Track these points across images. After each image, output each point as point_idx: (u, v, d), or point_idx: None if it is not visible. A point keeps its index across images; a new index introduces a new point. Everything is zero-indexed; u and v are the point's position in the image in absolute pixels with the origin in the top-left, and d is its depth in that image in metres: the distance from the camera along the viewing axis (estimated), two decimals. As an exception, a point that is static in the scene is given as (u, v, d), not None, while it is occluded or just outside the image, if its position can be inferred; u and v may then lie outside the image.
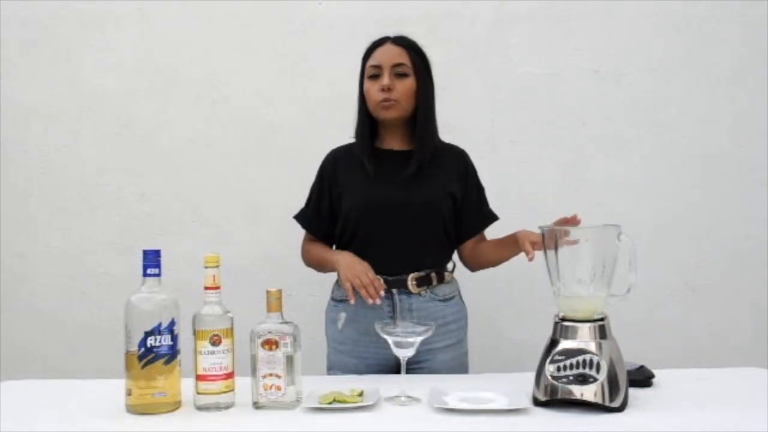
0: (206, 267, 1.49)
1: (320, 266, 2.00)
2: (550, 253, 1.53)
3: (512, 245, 1.84)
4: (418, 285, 1.88)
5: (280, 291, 1.51)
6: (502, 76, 2.64)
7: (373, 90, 1.87)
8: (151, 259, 1.47)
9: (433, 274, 1.90)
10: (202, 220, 2.64)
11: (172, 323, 1.47)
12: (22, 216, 2.64)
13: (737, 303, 2.67)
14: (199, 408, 1.48)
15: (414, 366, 1.86)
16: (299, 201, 2.62)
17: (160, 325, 1.45)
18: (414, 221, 1.88)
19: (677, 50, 2.65)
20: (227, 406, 1.48)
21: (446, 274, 1.95)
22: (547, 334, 1.52)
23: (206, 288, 1.49)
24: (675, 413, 1.43)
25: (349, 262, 1.82)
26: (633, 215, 2.59)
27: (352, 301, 1.77)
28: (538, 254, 1.63)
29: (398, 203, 1.87)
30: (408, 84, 1.87)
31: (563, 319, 1.51)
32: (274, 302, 1.50)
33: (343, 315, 1.91)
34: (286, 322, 1.49)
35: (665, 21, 2.64)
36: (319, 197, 1.99)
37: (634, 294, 1.52)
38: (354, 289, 1.76)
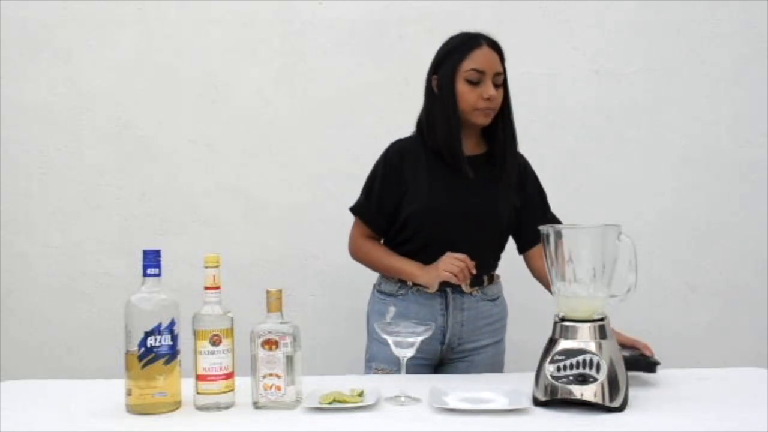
0: (206, 267, 1.49)
1: (384, 271, 1.95)
2: (551, 253, 1.53)
3: None
4: (471, 285, 1.88)
5: (280, 291, 1.51)
6: (502, 76, 2.63)
7: (473, 95, 1.81)
8: (151, 259, 1.47)
9: (485, 276, 1.91)
10: (202, 220, 2.64)
11: (172, 323, 1.47)
12: (22, 216, 2.64)
13: (737, 303, 2.67)
14: (199, 408, 1.48)
15: (457, 361, 1.92)
16: (299, 201, 2.63)
17: (160, 325, 1.45)
18: (477, 230, 1.87)
19: (677, 50, 2.65)
20: (227, 406, 1.48)
21: (495, 274, 1.96)
22: (547, 334, 1.52)
23: (206, 288, 1.49)
24: (675, 413, 1.43)
25: (426, 272, 1.80)
26: (633, 215, 2.59)
27: (464, 287, 1.80)
28: (538, 254, 1.62)
29: (465, 213, 1.85)
30: (501, 93, 1.86)
31: (563, 319, 1.50)
32: (274, 302, 1.50)
33: (392, 309, 1.86)
34: (286, 322, 1.49)
35: (665, 21, 2.64)
36: (383, 191, 1.91)
37: (634, 294, 1.52)
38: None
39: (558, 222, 1.97)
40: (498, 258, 1.98)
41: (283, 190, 2.65)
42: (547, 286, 1.86)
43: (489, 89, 1.81)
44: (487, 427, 1.37)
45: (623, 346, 1.60)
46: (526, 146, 2.62)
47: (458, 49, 1.84)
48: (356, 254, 1.99)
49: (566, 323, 1.49)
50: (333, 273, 2.62)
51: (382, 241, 1.99)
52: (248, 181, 2.64)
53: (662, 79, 2.65)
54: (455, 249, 1.81)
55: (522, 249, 2.00)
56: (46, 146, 2.64)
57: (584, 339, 1.46)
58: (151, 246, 1.49)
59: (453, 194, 1.85)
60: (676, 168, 2.66)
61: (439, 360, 1.92)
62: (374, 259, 1.94)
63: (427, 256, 1.83)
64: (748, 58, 2.65)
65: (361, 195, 1.97)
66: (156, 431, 1.39)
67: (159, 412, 1.45)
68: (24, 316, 2.65)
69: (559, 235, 1.52)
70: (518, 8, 2.63)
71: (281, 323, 1.49)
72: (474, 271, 1.76)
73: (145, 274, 1.47)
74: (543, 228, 1.56)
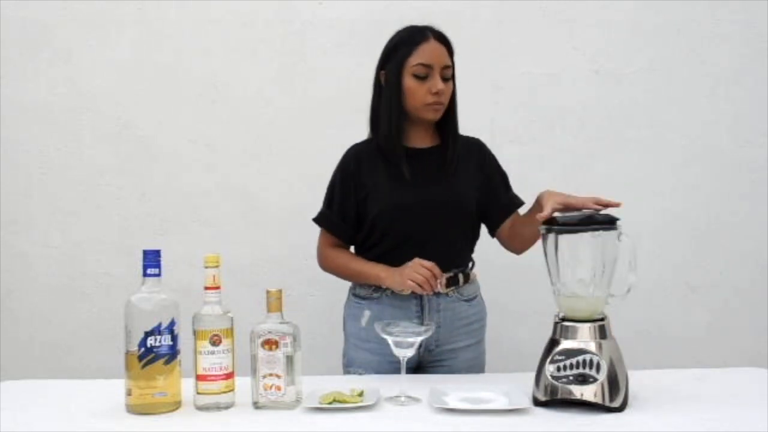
0: (206, 267, 1.49)
1: (353, 278, 1.92)
2: (550, 253, 1.53)
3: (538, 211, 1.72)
4: (447, 285, 1.85)
5: (280, 291, 1.51)
6: (502, 76, 2.64)
7: (421, 91, 1.80)
8: (151, 259, 1.47)
9: (461, 275, 1.89)
10: (202, 220, 2.64)
11: (172, 323, 1.47)
12: (22, 216, 2.64)
13: (737, 303, 2.67)
14: (199, 408, 1.48)
15: (435, 365, 1.89)
16: (299, 201, 2.63)
17: (160, 325, 1.45)
18: (445, 221, 1.85)
19: (677, 50, 2.65)
20: (227, 406, 1.48)
21: (470, 273, 1.94)
22: (547, 334, 1.52)
23: (206, 288, 1.49)
24: (675, 413, 1.43)
25: (392, 275, 1.77)
26: (633, 215, 2.58)
27: (425, 292, 1.73)
28: (539, 255, 1.62)
29: (430, 204, 1.83)
30: (450, 86, 1.85)
31: (563, 319, 1.51)
32: (274, 302, 1.50)
33: (367, 313, 1.86)
34: (286, 322, 1.49)
35: (665, 21, 2.64)
36: (344, 198, 1.90)
37: (634, 294, 1.52)
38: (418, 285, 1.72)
39: (520, 202, 1.96)
40: (471, 252, 1.96)
41: (283, 190, 2.65)
42: (523, 241, 1.88)
43: (437, 83, 1.79)
44: (487, 427, 1.37)
45: (575, 208, 1.56)
46: (526, 146, 2.64)
47: (405, 43, 1.82)
48: (323, 264, 1.98)
49: (566, 323, 1.49)
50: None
51: (352, 249, 1.97)
52: (248, 181, 2.64)
53: (662, 79, 2.65)
54: (427, 246, 1.80)
55: (492, 229, 1.97)
56: (46, 146, 2.64)
57: (584, 339, 1.46)
58: (151, 246, 1.49)
59: (418, 190, 1.83)
60: (676, 168, 2.66)
61: (416, 364, 1.87)
62: (340, 265, 1.92)
63: (399, 256, 1.80)
64: (748, 58, 2.65)
65: (323, 205, 1.97)
66: (156, 431, 1.39)
67: (159, 412, 1.45)
68: (24, 316, 2.65)
69: (558, 235, 1.52)
70: (518, 8, 2.63)
71: (281, 323, 1.49)
72: (441, 282, 1.75)
73: (145, 274, 1.47)
74: (543, 228, 1.56)
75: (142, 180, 2.64)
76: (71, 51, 2.62)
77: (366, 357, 1.86)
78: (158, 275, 1.47)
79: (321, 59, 2.63)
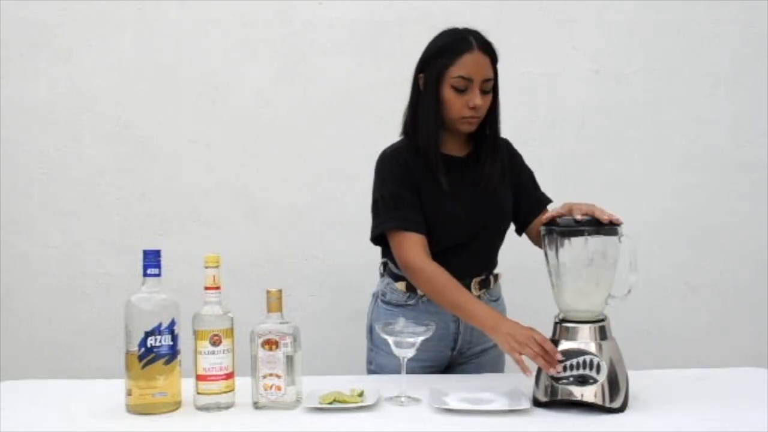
0: (206, 267, 1.49)
1: (449, 307, 1.72)
2: (551, 253, 1.53)
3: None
4: (480, 287, 1.85)
5: (280, 291, 1.51)
6: (502, 76, 2.62)
7: (459, 103, 1.72)
8: (151, 259, 1.47)
9: (491, 277, 1.89)
10: (202, 220, 2.64)
11: (172, 323, 1.47)
12: (22, 216, 2.64)
13: (737, 303, 2.67)
14: (199, 408, 1.48)
15: (464, 363, 1.90)
16: (299, 201, 2.63)
17: (160, 325, 1.45)
18: (487, 230, 1.84)
19: (677, 50, 2.65)
20: (227, 406, 1.48)
21: (498, 274, 1.94)
22: (547, 334, 1.52)
23: (206, 288, 1.49)
24: (675, 413, 1.43)
25: (510, 332, 1.54)
26: (633, 215, 2.58)
27: (527, 373, 1.51)
28: (539, 255, 1.62)
29: (473, 214, 1.80)
30: (489, 99, 1.77)
31: (563, 320, 1.51)
32: (274, 302, 1.50)
33: (402, 319, 1.73)
34: (286, 322, 1.49)
35: (665, 21, 2.64)
36: (411, 194, 1.76)
37: (634, 294, 1.52)
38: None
39: (547, 200, 1.93)
40: (497, 255, 1.95)
41: (283, 190, 2.64)
42: None
43: (475, 98, 1.72)
44: (487, 428, 1.37)
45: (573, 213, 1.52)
46: (526, 146, 2.63)
47: (447, 51, 1.74)
48: (415, 275, 1.74)
49: (566, 324, 1.49)
50: (333, 273, 2.62)
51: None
52: (248, 181, 2.64)
53: (662, 79, 2.65)
54: (468, 254, 1.79)
55: (521, 228, 1.94)
56: (46, 146, 2.64)
57: (584, 340, 1.46)
58: (151, 246, 1.49)
59: (462, 200, 1.80)
60: (676, 168, 2.66)
61: (448, 363, 1.89)
62: (443, 287, 1.69)
63: (443, 263, 1.72)
64: (748, 58, 2.65)
65: (389, 213, 1.76)
66: (156, 431, 1.39)
67: (159, 412, 1.45)
68: (24, 316, 2.65)
69: (559, 236, 1.52)
70: (518, 8, 2.63)
71: (281, 323, 1.49)
72: (559, 358, 1.48)
73: (145, 274, 1.47)
74: (543, 229, 1.56)
75: (142, 180, 2.64)
76: (71, 51, 2.62)
77: (397, 363, 1.84)
78: (158, 275, 1.47)
79: (321, 59, 2.63)
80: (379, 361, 1.89)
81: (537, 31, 2.63)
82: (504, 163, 1.88)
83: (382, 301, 1.90)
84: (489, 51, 1.76)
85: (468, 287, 1.79)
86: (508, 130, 2.61)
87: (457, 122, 1.76)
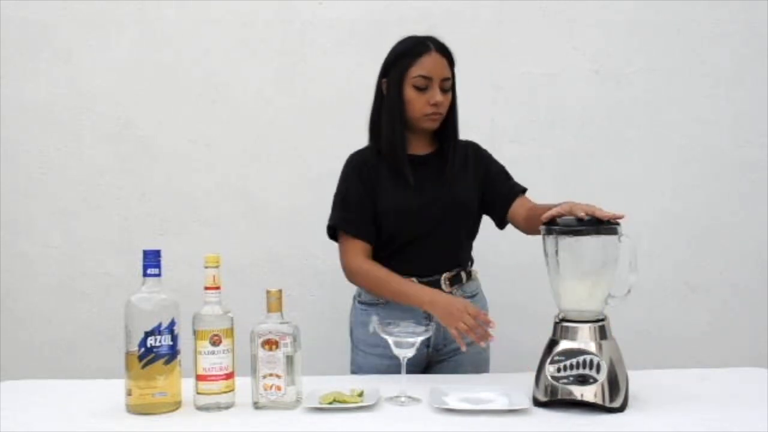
0: (206, 267, 1.49)
1: (391, 296, 1.84)
2: (551, 253, 1.53)
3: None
4: (451, 284, 1.89)
5: (280, 291, 1.51)
6: (502, 76, 2.64)
7: (420, 102, 1.84)
8: (151, 259, 1.47)
9: (463, 273, 1.92)
10: (202, 220, 2.64)
11: (172, 323, 1.47)
12: (22, 216, 2.64)
13: (737, 303, 2.67)
14: (199, 408, 1.48)
15: (443, 362, 1.92)
16: (299, 201, 2.63)
17: (160, 325, 1.45)
18: (448, 222, 1.89)
19: (677, 50, 2.65)
20: (227, 406, 1.48)
21: (472, 271, 1.97)
22: (547, 334, 1.52)
23: (206, 288, 1.49)
24: (675, 413, 1.43)
25: (445, 305, 1.69)
26: (633, 215, 2.58)
27: (463, 348, 1.66)
28: (539, 255, 1.62)
29: (433, 207, 1.87)
30: (449, 97, 1.88)
31: (563, 320, 1.51)
32: (274, 302, 1.50)
33: (375, 318, 1.82)
34: (286, 322, 1.49)
35: (665, 21, 2.64)
36: (362, 198, 1.88)
37: (634, 294, 1.52)
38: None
39: (520, 188, 1.96)
40: (471, 252, 2.00)
41: (283, 190, 2.65)
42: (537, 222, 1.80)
43: (436, 95, 1.83)
44: (487, 427, 1.37)
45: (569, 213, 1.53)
46: (526, 146, 2.64)
47: (406, 54, 1.85)
48: (356, 278, 1.89)
49: (566, 324, 1.49)
50: (333, 273, 2.61)
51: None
52: (248, 181, 2.64)
53: (662, 79, 2.65)
54: (434, 248, 1.86)
55: (501, 221, 1.97)
56: (46, 146, 2.64)
57: (584, 340, 1.46)
58: (151, 246, 1.49)
59: (425, 195, 1.87)
60: (676, 168, 2.66)
61: (426, 362, 1.91)
62: (379, 280, 1.84)
63: (409, 258, 1.86)
64: (748, 58, 2.65)
65: (336, 212, 1.92)
66: (156, 431, 1.39)
67: (159, 412, 1.45)
68: (24, 316, 2.65)
69: (559, 236, 1.52)
70: (518, 8, 2.63)
71: (281, 323, 1.49)
72: (492, 325, 1.66)
73: (145, 274, 1.47)
74: (543, 228, 1.56)
75: (142, 180, 2.64)
76: (71, 51, 2.62)
77: (375, 362, 1.87)
78: (158, 275, 1.47)
79: (321, 59, 2.63)
80: (358, 362, 1.93)
81: (537, 31, 2.64)
82: (468, 160, 1.96)
83: (359, 301, 1.96)
84: (446, 53, 1.87)
85: (438, 283, 1.85)
86: (508, 130, 2.64)
87: (420, 120, 1.86)
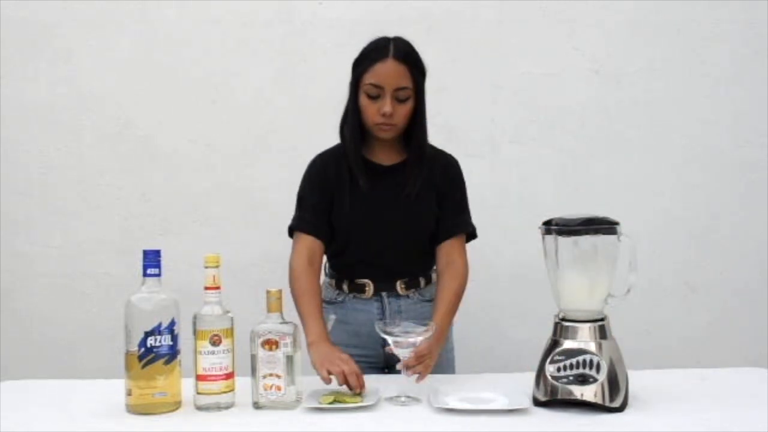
0: (206, 267, 1.49)
1: (299, 315, 1.76)
2: (550, 253, 1.53)
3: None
4: (407, 288, 1.87)
5: (280, 291, 1.51)
6: (502, 76, 2.64)
7: (372, 110, 1.76)
8: (151, 259, 1.47)
9: (421, 278, 1.90)
10: (202, 220, 2.64)
11: (172, 323, 1.47)
12: (22, 216, 2.64)
13: (737, 303, 2.67)
14: (199, 408, 1.48)
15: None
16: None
17: (160, 325, 1.45)
18: (405, 238, 1.85)
19: (677, 50, 2.65)
20: (227, 406, 1.48)
21: (433, 275, 1.93)
22: (547, 334, 1.52)
23: (206, 288, 1.49)
24: (675, 413, 1.43)
25: (323, 354, 1.60)
26: (633, 215, 2.59)
27: (327, 383, 1.55)
28: (538, 255, 1.61)
29: (392, 222, 1.83)
30: (407, 107, 1.77)
31: (563, 320, 1.51)
32: (274, 302, 1.50)
33: (333, 317, 1.88)
34: (286, 322, 1.50)
35: (665, 21, 2.64)
36: (319, 200, 1.85)
37: (634, 294, 1.52)
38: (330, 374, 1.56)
39: (465, 228, 1.89)
40: (433, 259, 1.90)
41: (283, 190, 2.63)
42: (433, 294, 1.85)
43: (385, 105, 1.73)
44: (487, 427, 1.37)
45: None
46: (526, 146, 2.64)
47: (365, 59, 1.78)
48: (292, 284, 1.79)
49: (566, 323, 1.49)
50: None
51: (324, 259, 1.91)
52: (248, 181, 2.64)
53: (662, 79, 2.65)
54: (387, 257, 1.83)
55: (434, 242, 1.89)
56: (46, 146, 2.64)
57: (584, 339, 1.46)
58: (151, 246, 1.49)
59: (381, 206, 1.83)
60: (676, 168, 2.66)
61: (385, 362, 1.88)
62: (299, 296, 1.76)
63: (363, 263, 1.85)
64: (748, 58, 2.65)
65: (295, 212, 1.89)
66: (156, 431, 1.39)
67: (159, 412, 1.45)
68: (24, 316, 2.65)
69: (558, 236, 1.52)
70: (518, 8, 2.63)
71: (281, 323, 1.49)
72: (359, 383, 1.54)
73: (145, 274, 1.47)
74: (542, 228, 1.56)
75: (142, 180, 2.64)
76: (71, 51, 2.62)
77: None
78: (158, 275, 1.47)
79: (321, 59, 2.63)
80: None
81: (537, 31, 2.63)
82: (435, 177, 1.86)
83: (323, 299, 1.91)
84: (405, 60, 1.75)
85: (393, 286, 1.85)
86: (508, 130, 2.64)
87: (372, 128, 1.80)
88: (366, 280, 1.86)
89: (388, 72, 1.74)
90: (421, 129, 1.83)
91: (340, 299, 1.90)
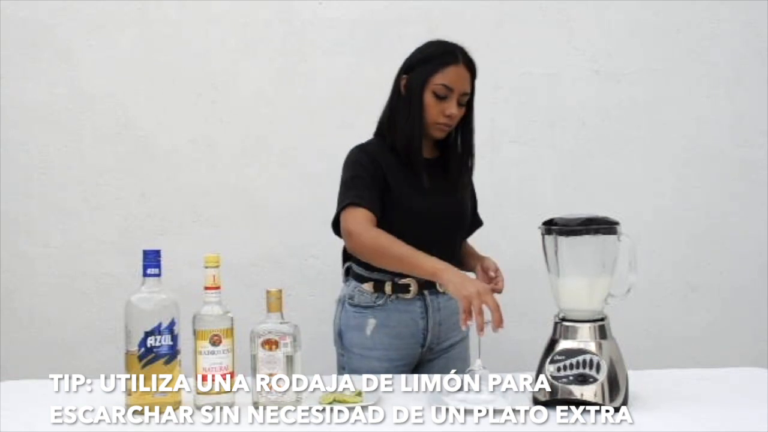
0: (206, 267, 1.49)
1: (395, 263, 1.73)
2: (550, 253, 1.53)
3: (475, 263, 1.95)
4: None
5: (280, 291, 1.51)
6: (502, 76, 2.64)
7: (436, 110, 1.83)
8: (151, 259, 1.47)
9: None
10: (202, 220, 2.64)
11: (172, 323, 1.47)
12: (22, 216, 2.64)
13: (737, 303, 2.67)
14: (199, 408, 1.47)
15: (434, 360, 1.93)
16: (299, 201, 2.63)
17: (160, 325, 1.45)
18: (451, 229, 1.92)
19: (677, 50, 2.65)
20: (227, 406, 1.48)
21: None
22: (547, 334, 1.52)
23: (206, 288, 1.49)
24: (675, 413, 1.43)
25: (454, 276, 1.59)
26: (633, 215, 2.59)
27: (464, 328, 1.58)
28: (538, 255, 1.61)
29: (441, 213, 1.89)
30: (463, 111, 1.88)
31: (563, 319, 1.51)
32: (274, 302, 1.50)
33: (372, 321, 1.86)
34: (286, 322, 1.49)
35: (665, 21, 2.64)
36: (374, 182, 1.81)
37: (634, 294, 1.52)
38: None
39: (481, 223, 2.08)
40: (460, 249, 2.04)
41: (283, 190, 2.65)
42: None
43: (452, 107, 1.82)
44: (487, 428, 1.37)
45: None
46: (526, 146, 2.64)
47: (434, 59, 1.84)
48: (358, 241, 1.75)
49: (566, 323, 1.49)
50: (333, 273, 2.62)
51: None
52: (248, 181, 2.64)
53: (662, 79, 2.65)
54: (431, 250, 1.78)
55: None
56: (46, 146, 2.64)
57: (584, 339, 1.46)
58: (151, 246, 1.49)
59: (430, 199, 1.88)
60: (676, 168, 2.66)
61: (418, 361, 1.91)
62: (383, 246, 1.71)
63: None
64: (748, 58, 2.65)
65: (341, 196, 1.83)
66: (156, 431, 1.38)
67: (159, 412, 1.45)
68: (24, 316, 2.65)
69: (558, 236, 1.51)
70: (518, 8, 2.63)
71: (281, 323, 1.49)
72: (491, 326, 1.55)
73: (145, 274, 1.47)
74: (542, 228, 1.56)
75: (142, 180, 2.64)
76: (71, 51, 2.62)
77: (373, 365, 1.85)
78: (158, 275, 1.47)
79: (321, 59, 2.63)
80: (353, 365, 1.89)
81: (537, 31, 2.64)
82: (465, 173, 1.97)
83: (350, 304, 1.91)
84: (471, 67, 1.87)
85: (433, 283, 1.86)
86: (508, 130, 2.64)
87: (430, 127, 1.86)
88: (410, 280, 1.85)
89: (459, 76, 1.83)
90: (471, 132, 1.94)
91: (379, 302, 1.87)
